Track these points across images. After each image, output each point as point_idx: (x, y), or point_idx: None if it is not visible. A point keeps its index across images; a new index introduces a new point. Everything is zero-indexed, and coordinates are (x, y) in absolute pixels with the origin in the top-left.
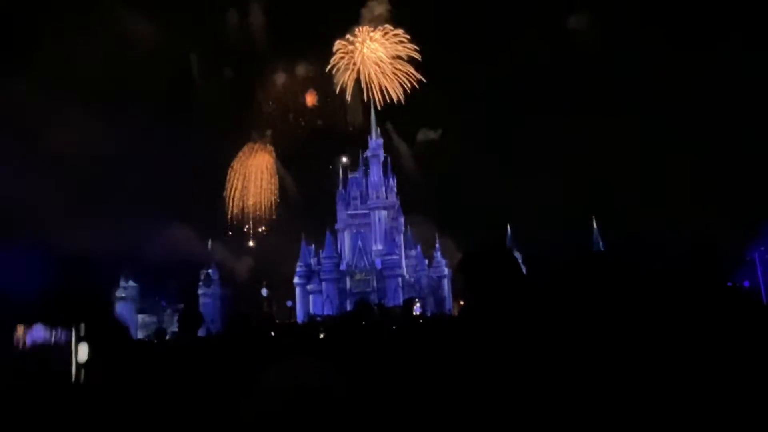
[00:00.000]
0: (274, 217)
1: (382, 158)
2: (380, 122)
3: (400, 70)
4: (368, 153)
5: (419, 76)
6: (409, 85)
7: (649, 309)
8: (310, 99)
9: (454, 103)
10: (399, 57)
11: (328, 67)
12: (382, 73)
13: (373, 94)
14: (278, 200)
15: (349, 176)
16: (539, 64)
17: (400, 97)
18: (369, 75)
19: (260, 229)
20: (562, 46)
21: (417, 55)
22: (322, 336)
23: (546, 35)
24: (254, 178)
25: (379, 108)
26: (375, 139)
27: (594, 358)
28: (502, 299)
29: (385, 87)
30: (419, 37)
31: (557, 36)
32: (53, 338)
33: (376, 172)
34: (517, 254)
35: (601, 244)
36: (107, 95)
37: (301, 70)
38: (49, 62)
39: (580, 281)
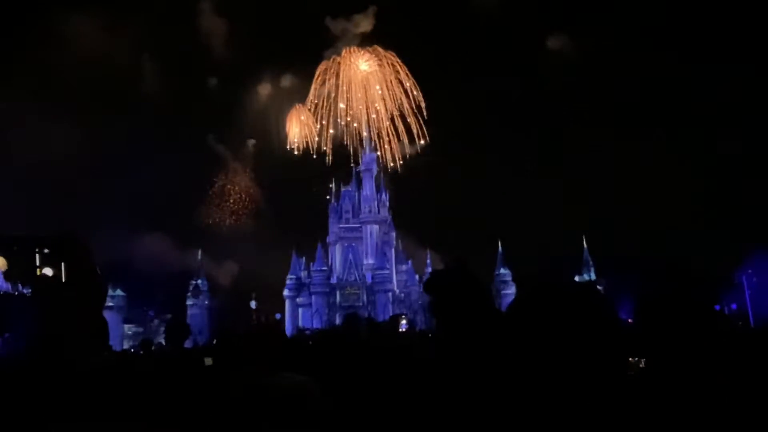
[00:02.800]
0: (254, 231)
1: (375, 172)
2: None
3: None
4: (361, 167)
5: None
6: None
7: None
8: (296, 119)
9: (445, 122)
10: (400, 113)
11: (312, 91)
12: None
13: (360, 113)
14: (253, 216)
15: (342, 189)
16: (528, 83)
17: (397, 161)
18: (356, 95)
19: (242, 243)
20: (546, 64)
21: (407, 79)
22: (309, 350)
23: (528, 55)
24: (233, 195)
25: (369, 127)
26: (368, 154)
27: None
28: (459, 321)
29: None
30: (405, 55)
31: (539, 56)
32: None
33: (368, 186)
34: (506, 271)
35: (590, 262)
36: (94, 106)
37: (285, 81)
38: (29, 73)
39: (542, 309)
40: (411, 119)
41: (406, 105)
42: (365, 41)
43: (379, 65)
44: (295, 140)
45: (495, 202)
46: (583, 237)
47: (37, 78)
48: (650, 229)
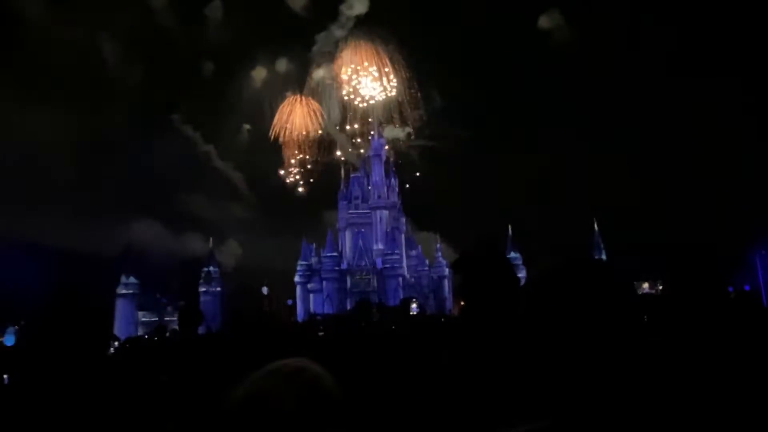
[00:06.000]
0: (262, 217)
1: (384, 158)
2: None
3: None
4: (370, 152)
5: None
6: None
7: (646, 314)
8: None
9: (448, 106)
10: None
11: (307, 83)
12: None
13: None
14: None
15: (351, 175)
16: (531, 66)
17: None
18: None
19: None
20: (544, 48)
21: (406, 70)
22: (321, 335)
23: (524, 36)
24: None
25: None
26: (377, 139)
27: (582, 364)
28: (491, 300)
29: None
30: (402, 34)
31: (536, 37)
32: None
33: (378, 172)
34: (516, 255)
35: (601, 245)
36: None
37: (281, 66)
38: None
39: (570, 285)
40: (413, 106)
41: (407, 93)
42: (360, 24)
43: (377, 60)
44: (293, 175)
45: (504, 185)
46: (594, 220)
47: (13, 69)
48: (659, 211)
